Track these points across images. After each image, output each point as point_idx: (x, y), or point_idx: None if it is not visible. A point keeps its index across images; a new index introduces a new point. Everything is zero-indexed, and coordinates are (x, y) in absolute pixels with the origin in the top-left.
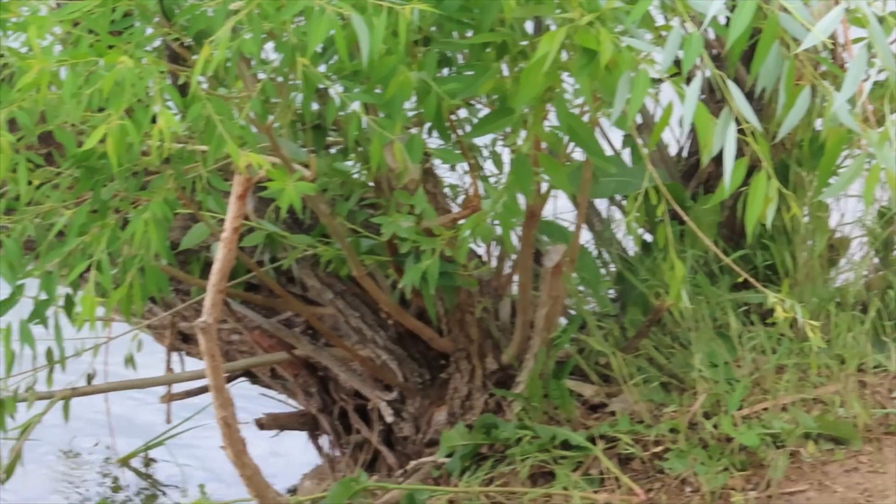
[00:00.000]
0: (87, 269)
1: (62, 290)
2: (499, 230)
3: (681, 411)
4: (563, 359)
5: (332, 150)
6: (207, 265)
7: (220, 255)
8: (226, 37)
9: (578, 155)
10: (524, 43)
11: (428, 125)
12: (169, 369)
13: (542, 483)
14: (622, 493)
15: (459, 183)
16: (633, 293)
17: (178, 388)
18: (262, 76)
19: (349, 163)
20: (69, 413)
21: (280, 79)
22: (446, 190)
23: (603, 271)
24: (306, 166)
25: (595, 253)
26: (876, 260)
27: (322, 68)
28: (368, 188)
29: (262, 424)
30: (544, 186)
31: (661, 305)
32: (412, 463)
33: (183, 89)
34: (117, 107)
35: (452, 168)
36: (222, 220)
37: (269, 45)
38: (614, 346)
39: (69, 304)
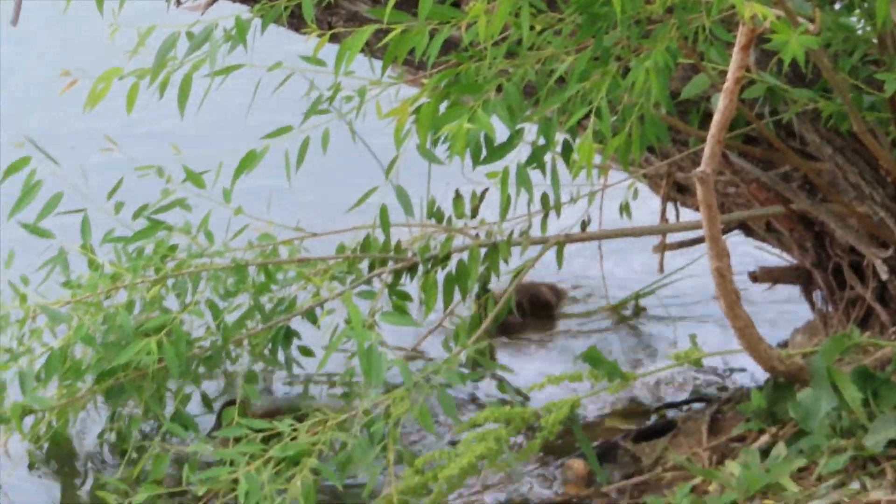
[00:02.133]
0: (586, 116)
1: (560, 136)
2: None
3: None
4: None
5: (837, 5)
6: (707, 116)
7: (721, 105)
8: None
9: None
10: None
11: None
12: (663, 219)
13: None
14: None
15: None
16: None
17: (671, 238)
18: None
19: (854, 18)
20: (562, 260)
21: None
22: None
23: None
24: (811, 20)
25: None
26: None
27: None
28: (872, 44)
29: (755, 277)
30: None
31: None
32: None
33: None
34: None
35: None
36: (724, 72)
37: None
38: None
39: (567, 151)
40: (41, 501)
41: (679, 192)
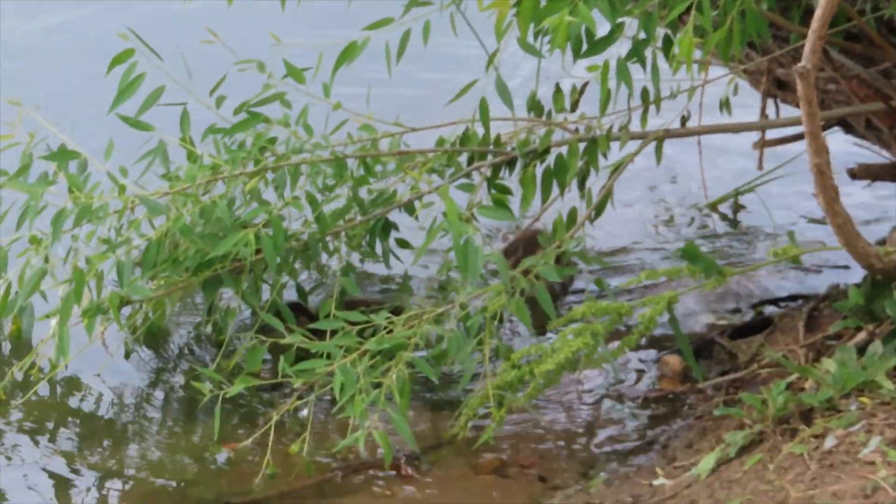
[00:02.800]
0: (687, 11)
1: (661, 30)
2: None
3: None
4: None
5: None
6: (808, 12)
7: (823, 1)
8: None
9: None
10: None
11: None
12: (763, 115)
13: None
14: None
15: None
16: None
17: (770, 134)
18: None
19: None
20: (662, 155)
21: None
22: None
23: None
24: None
25: None
26: None
27: None
28: None
29: (854, 174)
30: None
31: None
32: None
33: None
34: None
35: None
36: None
37: None
38: None
39: (667, 45)
40: (137, 392)
41: (779, 88)
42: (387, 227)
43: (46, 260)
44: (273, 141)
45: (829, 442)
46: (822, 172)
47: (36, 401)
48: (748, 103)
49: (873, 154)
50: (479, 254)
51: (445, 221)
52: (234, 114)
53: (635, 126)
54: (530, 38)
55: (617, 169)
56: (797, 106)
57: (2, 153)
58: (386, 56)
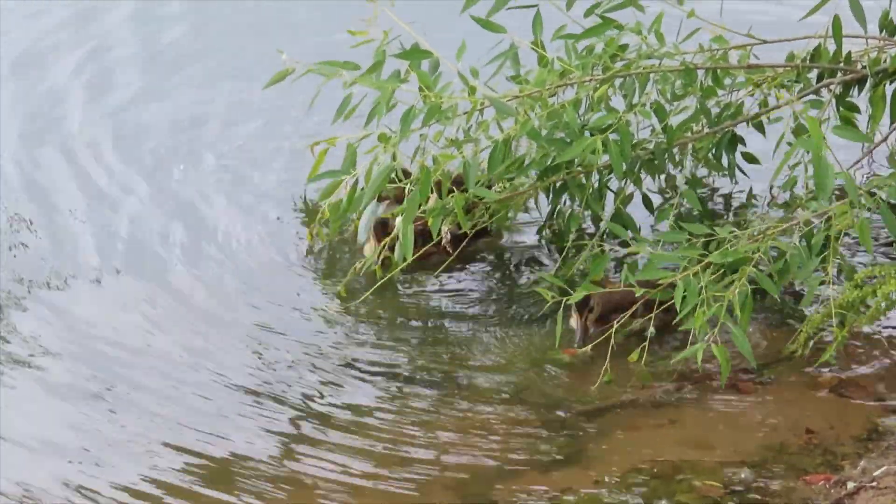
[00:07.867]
0: None
1: None
2: None
3: None
4: None
5: None
6: None
7: None
8: None
9: None
10: None
11: None
12: None
13: None
14: None
15: None
16: None
17: None
18: None
19: None
20: None
21: None
22: None
23: None
24: None
25: None
26: None
27: None
28: None
29: None
30: None
31: None
32: None
33: None
34: None
35: None
36: None
37: None
38: None
39: None
40: (476, 295)
41: None
42: (734, 140)
43: (394, 157)
44: (624, 48)
45: None
46: None
47: (376, 299)
48: None
49: None
50: (830, 172)
51: (803, 138)
52: (585, 16)
53: None
54: None
55: None
56: None
57: (356, 49)
58: None
